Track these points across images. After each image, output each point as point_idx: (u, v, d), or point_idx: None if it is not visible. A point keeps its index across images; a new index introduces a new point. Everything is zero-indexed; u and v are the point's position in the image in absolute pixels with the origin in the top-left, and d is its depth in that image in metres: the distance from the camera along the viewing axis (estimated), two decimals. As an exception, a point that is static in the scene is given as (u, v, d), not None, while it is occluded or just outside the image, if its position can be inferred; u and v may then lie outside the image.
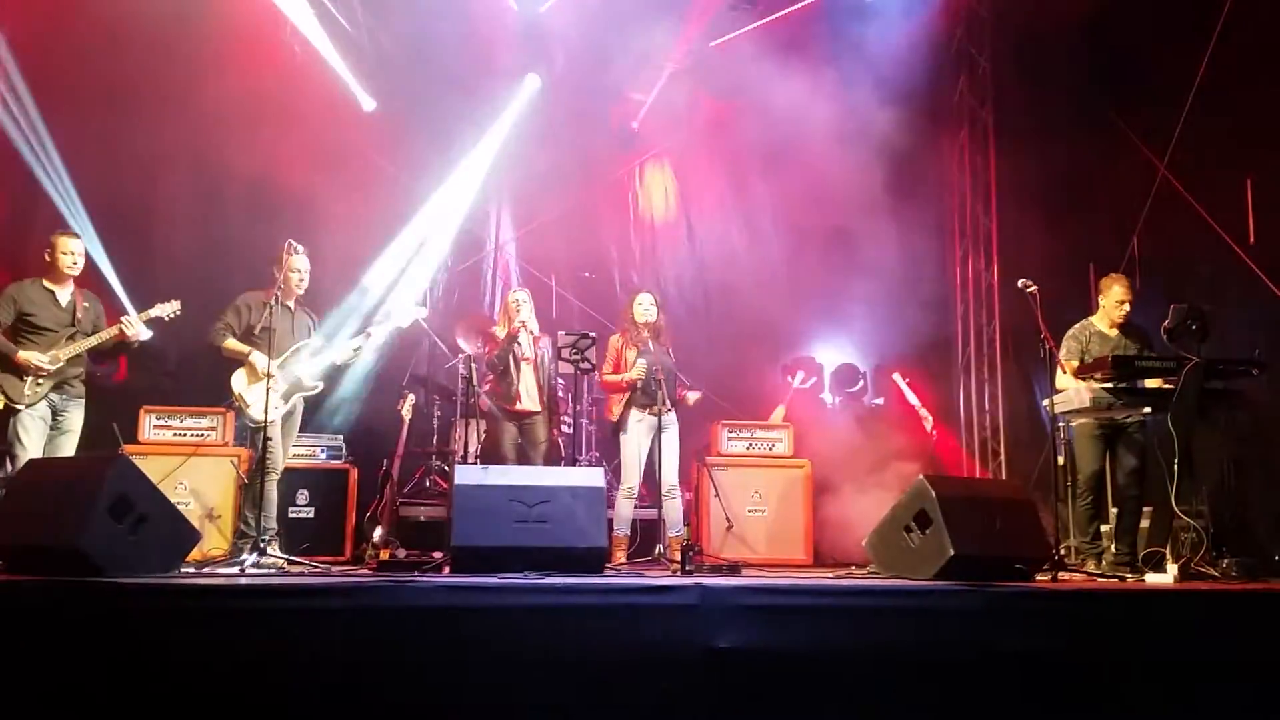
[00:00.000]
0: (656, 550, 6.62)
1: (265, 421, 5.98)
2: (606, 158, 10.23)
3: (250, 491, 6.30)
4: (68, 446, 6.07)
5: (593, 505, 5.25)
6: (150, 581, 4.11)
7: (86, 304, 6.21)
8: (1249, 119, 7.48)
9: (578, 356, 6.72)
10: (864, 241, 9.14)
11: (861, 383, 9.70)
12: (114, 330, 6.07)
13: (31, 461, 5.62)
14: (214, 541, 6.84)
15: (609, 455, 8.64)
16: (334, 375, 6.85)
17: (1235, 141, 7.68)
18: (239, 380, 6.28)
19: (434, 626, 3.83)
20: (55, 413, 6.03)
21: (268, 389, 5.91)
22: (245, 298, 6.45)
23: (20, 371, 5.89)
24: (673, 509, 6.95)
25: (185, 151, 8.76)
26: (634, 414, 7.03)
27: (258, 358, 6.19)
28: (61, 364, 5.95)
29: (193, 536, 4.96)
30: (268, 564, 5.63)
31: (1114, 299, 6.51)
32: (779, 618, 4.01)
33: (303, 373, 6.35)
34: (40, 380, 5.90)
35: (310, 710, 3.65)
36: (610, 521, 6.84)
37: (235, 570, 5.31)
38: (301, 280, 6.45)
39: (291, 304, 6.51)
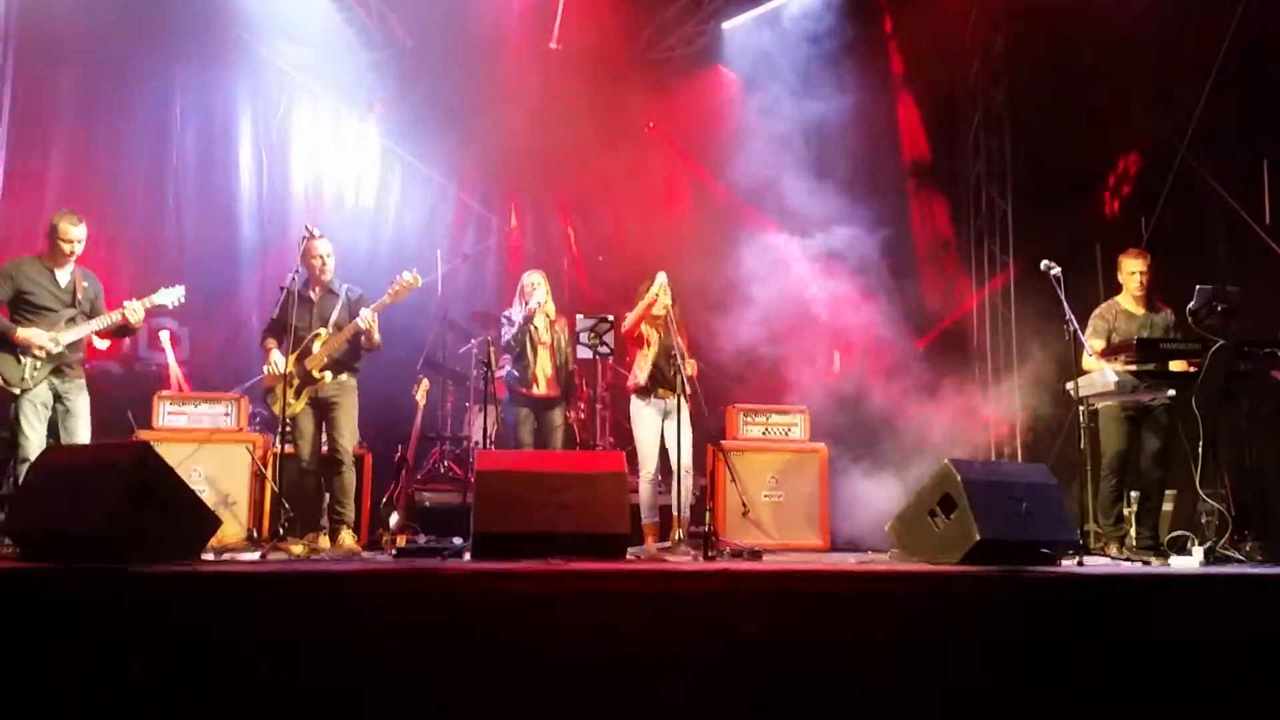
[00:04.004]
0: (675, 536, 6.58)
1: (282, 419, 5.96)
2: (620, 139, 10.17)
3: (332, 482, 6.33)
4: (80, 428, 5.93)
5: (614, 490, 5.21)
6: (172, 569, 4.08)
7: (85, 283, 6.03)
8: (1267, 99, 7.42)
9: (596, 340, 6.63)
10: (878, 225, 9.06)
11: None
12: (116, 316, 5.93)
13: (51, 447, 5.57)
14: (229, 528, 6.79)
15: (625, 440, 8.62)
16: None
17: (1253, 121, 7.62)
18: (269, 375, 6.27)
19: (456, 613, 3.80)
20: (58, 396, 5.87)
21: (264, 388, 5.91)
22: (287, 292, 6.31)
23: (18, 353, 5.73)
24: (684, 488, 6.88)
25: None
26: (644, 399, 6.96)
27: (276, 356, 6.14)
28: (62, 347, 5.81)
29: (213, 523, 4.93)
30: (295, 551, 5.63)
31: (1125, 271, 6.51)
32: (806, 604, 3.97)
33: (312, 365, 6.21)
34: (39, 363, 5.75)
35: (331, 696, 3.62)
36: (635, 508, 6.82)
37: (256, 557, 5.28)
38: (324, 265, 6.33)
39: (315, 292, 6.37)
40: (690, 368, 6.86)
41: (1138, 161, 8.79)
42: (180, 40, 8.77)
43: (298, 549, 5.72)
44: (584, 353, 6.80)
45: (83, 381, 6.04)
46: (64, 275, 5.97)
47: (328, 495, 6.35)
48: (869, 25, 9.99)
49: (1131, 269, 6.49)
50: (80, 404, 5.96)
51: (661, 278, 6.87)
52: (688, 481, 6.90)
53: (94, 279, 6.16)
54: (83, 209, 6.17)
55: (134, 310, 5.95)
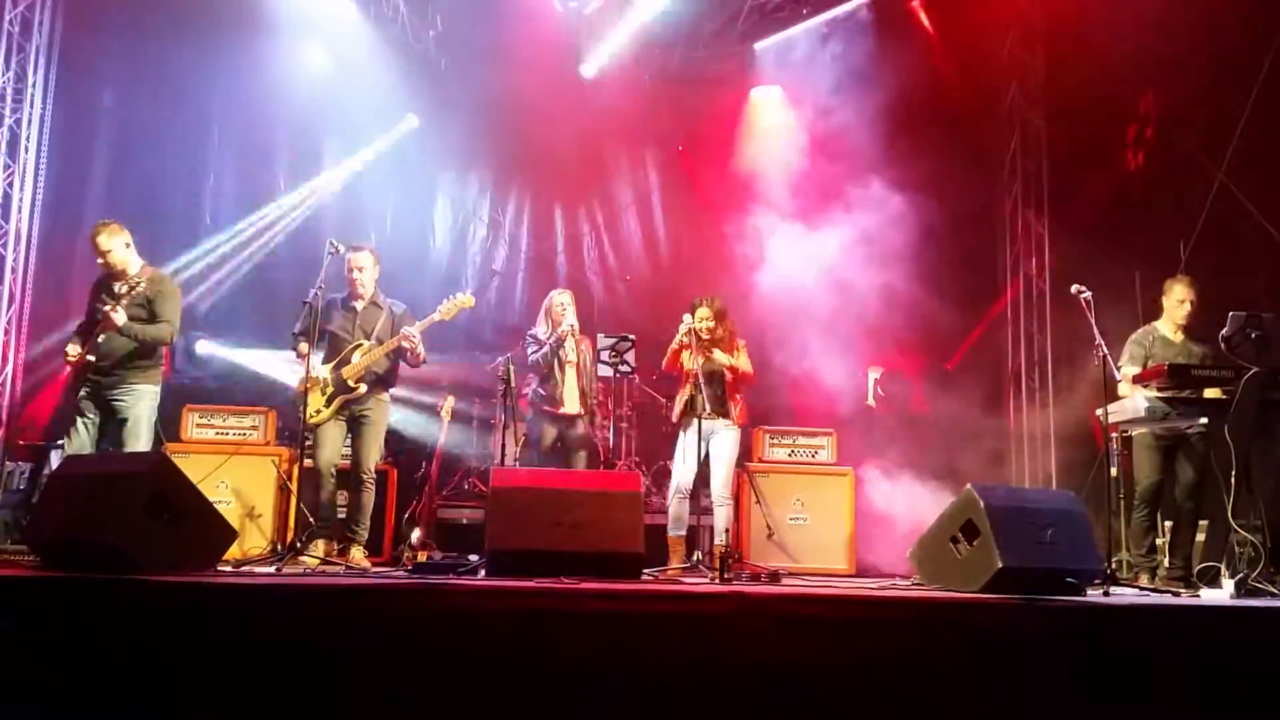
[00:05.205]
0: (695, 556, 6.52)
1: (302, 425, 5.99)
2: (651, 158, 10.19)
3: (351, 498, 6.36)
4: (129, 435, 5.86)
5: (630, 509, 5.16)
6: (184, 580, 4.08)
7: (141, 286, 5.89)
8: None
9: (617, 359, 6.61)
10: (914, 246, 8.97)
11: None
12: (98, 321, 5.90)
13: (70, 457, 5.62)
14: (253, 540, 6.85)
15: (649, 459, 8.58)
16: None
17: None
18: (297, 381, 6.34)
19: (467, 629, 3.77)
20: (105, 405, 5.89)
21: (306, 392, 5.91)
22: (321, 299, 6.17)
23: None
24: (718, 517, 6.82)
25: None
26: (686, 417, 6.89)
27: (315, 362, 6.17)
28: (83, 356, 5.83)
29: (229, 535, 4.93)
30: (306, 564, 5.63)
31: (1175, 298, 6.35)
32: (819, 629, 3.89)
33: (349, 374, 6.26)
34: (79, 375, 5.88)
35: (340, 710, 3.60)
36: (665, 526, 6.79)
37: (271, 570, 5.28)
38: (363, 278, 6.37)
39: (358, 303, 6.42)
40: (723, 359, 6.74)
41: (1156, 104, 8.64)
42: (219, 55, 8.89)
43: (313, 563, 5.73)
44: (604, 371, 6.76)
45: (142, 388, 5.92)
46: (121, 285, 5.98)
47: (344, 510, 6.36)
48: (905, 45, 9.94)
49: (1182, 297, 6.34)
50: (129, 408, 5.88)
51: (687, 319, 6.76)
52: (724, 510, 6.83)
53: (157, 281, 6.04)
54: (121, 219, 6.22)
55: (113, 314, 5.82)
